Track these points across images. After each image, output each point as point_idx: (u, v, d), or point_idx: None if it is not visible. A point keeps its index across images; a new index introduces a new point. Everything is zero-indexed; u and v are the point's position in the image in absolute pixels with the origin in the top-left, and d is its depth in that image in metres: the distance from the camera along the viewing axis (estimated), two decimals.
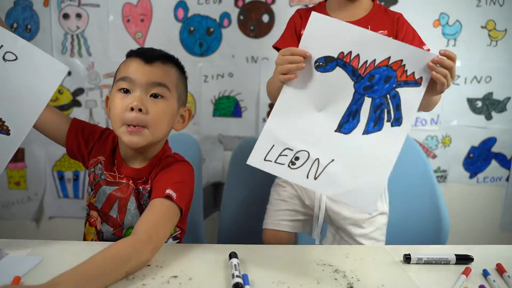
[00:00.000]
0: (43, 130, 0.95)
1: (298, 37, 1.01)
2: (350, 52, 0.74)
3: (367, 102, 0.74)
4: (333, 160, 0.75)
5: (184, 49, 1.58)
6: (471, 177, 1.71)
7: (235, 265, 0.71)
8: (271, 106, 1.61)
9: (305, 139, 0.76)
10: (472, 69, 1.61)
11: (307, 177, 0.75)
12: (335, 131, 0.76)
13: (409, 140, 1.46)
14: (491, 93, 1.63)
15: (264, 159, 0.76)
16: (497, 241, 1.72)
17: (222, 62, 1.59)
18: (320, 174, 0.75)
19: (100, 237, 0.94)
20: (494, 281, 0.72)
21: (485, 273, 0.75)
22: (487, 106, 1.64)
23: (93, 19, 1.56)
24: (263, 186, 1.15)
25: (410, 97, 0.73)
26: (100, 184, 0.94)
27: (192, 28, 1.57)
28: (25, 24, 1.57)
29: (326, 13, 1.03)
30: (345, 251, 0.85)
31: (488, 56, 1.60)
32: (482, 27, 1.58)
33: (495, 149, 1.68)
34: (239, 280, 0.66)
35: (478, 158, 1.69)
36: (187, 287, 0.68)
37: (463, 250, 0.83)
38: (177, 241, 0.96)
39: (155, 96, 0.87)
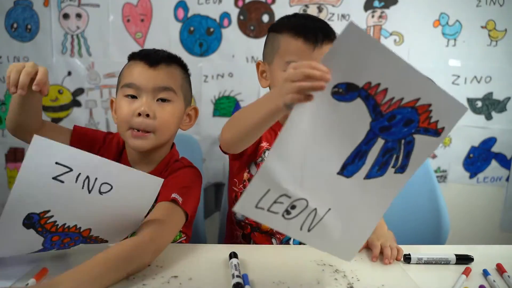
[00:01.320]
0: None
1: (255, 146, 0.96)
2: (379, 84, 0.59)
3: (379, 144, 0.63)
4: (329, 209, 0.66)
5: (184, 49, 1.58)
6: (471, 177, 1.71)
7: (235, 265, 0.71)
8: None
9: (305, 183, 0.63)
10: (472, 69, 1.61)
11: (301, 229, 0.66)
12: (338, 173, 0.64)
13: None
14: (491, 93, 1.63)
15: (256, 206, 0.63)
16: (497, 241, 1.72)
17: (222, 62, 1.59)
18: (315, 225, 0.66)
19: None
20: (494, 281, 0.72)
21: (485, 273, 0.75)
22: (487, 106, 1.64)
23: (93, 19, 1.56)
24: None
25: (424, 146, 0.65)
26: None
27: (192, 28, 1.57)
28: (25, 24, 1.57)
29: (280, 124, 0.95)
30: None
31: (488, 56, 1.60)
32: (482, 27, 1.58)
33: (495, 149, 1.68)
34: (239, 280, 0.66)
35: (478, 158, 1.69)
36: (187, 287, 0.68)
37: (463, 250, 0.83)
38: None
39: (162, 100, 0.86)
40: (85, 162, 0.65)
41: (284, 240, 1.02)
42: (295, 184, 0.62)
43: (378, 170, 0.66)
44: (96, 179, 0.67)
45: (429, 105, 0.62)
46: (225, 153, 0.93)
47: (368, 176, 0.66)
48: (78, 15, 1.56)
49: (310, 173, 0.63)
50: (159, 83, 0.86)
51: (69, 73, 1.59)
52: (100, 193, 0.68)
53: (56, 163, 0.62)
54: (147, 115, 0.84)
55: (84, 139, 0.96)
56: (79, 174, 0.65)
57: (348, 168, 0.64)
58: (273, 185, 0.61)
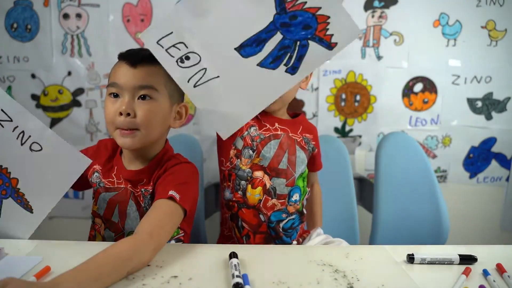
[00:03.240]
0: None
1: None
2: None
3: (277, 37, 0.72)
4: (218, 76, 0.75)
5: None
6: (471, 177, 1.71)
7: (235, 265, 0.71)
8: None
9: (203, 43, 0.73)
10: (472, 69, 1.61)
11: (188, 82, 0.75)
12: (235, 48, 0.73)
13: (409, 140, 1.46)
14: (491, 93, 1.63)
15: (157, 42, 0.74)
16: (497, 241, 1.71)
17: None
18: (201, 84, 0.75)
19: None
20: (494, 281, 0.72)
21: (485, 273, 0.75)
22: (487, 106, 1.64)
23: (93, 19, 1.56)
24: None
25: (316, 55, 0.72)
26: (99, 191, 0.95)
27: None
28: (25, 24, 1.57)
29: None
30: (345, 251, 0.85)
31: (488, 56, 1.60)
32: (482, 27, 1.58)
33: (495, 149, 1.68)
34: (239, 280, 0.66)
35: (478, 158, 1.69)
36: (187, 287, 0.68)
37: (463, 250, 0.83)
38: (179, 243, 0.96)
39: (143, 98, 0.87)
40: (24, 118, 0.79)
41: (274, 219, 1.04)
42: (194, 39, 0.72)
43: (272, 62, 0.73)
44: (29, 136, 0.80)
45: (328, 17, 0.70)
46: None
47: (262, 64, 0.73)
48: (78, 15, 1.56)
49: (210, 37, 0.73)
50: (138, 82, 0.87)
51: (69, 73, 1.60)
52: (30, 149, 0.81)
53: (1, 110, 0.78)
54: (128, 114, 0.86)
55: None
56: (17, 126, 0.79)
57: (245, 49, 0.73)
58: (176, 30, 0.73)
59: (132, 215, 0.91)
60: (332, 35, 0.70)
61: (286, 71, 0.74)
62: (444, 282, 0.72)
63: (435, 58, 1.60)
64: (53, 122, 1.63)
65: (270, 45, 0.72)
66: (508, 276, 0.73)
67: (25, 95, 1.61)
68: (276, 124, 1.06)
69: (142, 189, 0.91)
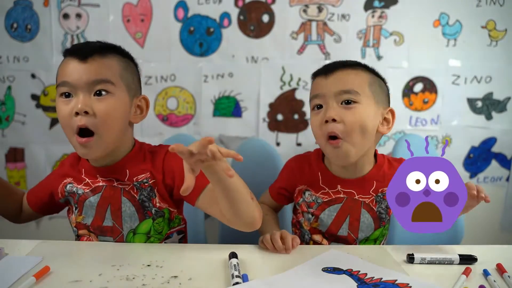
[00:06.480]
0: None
1: (293, 192, 1.03)
2: (359, 271, 0.75)
3: None
4: None
5: (184, 49, 1.58)
6: (471, 177, 1.71)
7: (235, 265, 0.71)
8: (271, 106, 1.61)
9: None
10: (472, 69, 1.61)
11: None
12: None
13: (416, 138, 1.46)
14: (491, 93, 1.63)
15: None
16: (497, 241, 1.72)
17: (222, 62, 1.59)
18: None
19: None
20: (494, 281, 0.72)
21: (485, 273, 0.75)
22: (487, 106, 1.64)
23: (93, 19, 1.56)
24: (264, 187, 1.15)
25: None
26: (82, 199, 0.89)
27: (192, 28, 1.57)
28: (25, 24, 1.57)
29: (323, 166, 0.99)
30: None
31: (488, 56, 1.60)
32: (482, 27, 1.58)
33: (495, 149, 1.68)
34: (239, 280, 0.66)
35: (478, 158, 1.69)
36: (187, 287, 0.68)
37: (463, 250, 0.83)
38: (181, 235, 0.95)
39: (99, 93, 0.81)
40: None
41: None
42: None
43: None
44: None
45: (407, 284, 0.71)
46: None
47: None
48: (78, 15, 1.56)
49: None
50: (92, 76, 0.80)
51: None
52: None
53: None
54: (86, 112, 0.79)
55: (40, 196, 0.98)
56: None
57: None
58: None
59: (128, 211, 0.87)
60: None
61: None
62: (444, 282, 0.72)
63: (435, 58, 1.60)
64: (53, 122, 1.63)
65: None
66: (509, 276, 0.73)
67: (25, 95, 1.61)
68: (339, 187, 0.95)
69: (136, 183, 0.87)
